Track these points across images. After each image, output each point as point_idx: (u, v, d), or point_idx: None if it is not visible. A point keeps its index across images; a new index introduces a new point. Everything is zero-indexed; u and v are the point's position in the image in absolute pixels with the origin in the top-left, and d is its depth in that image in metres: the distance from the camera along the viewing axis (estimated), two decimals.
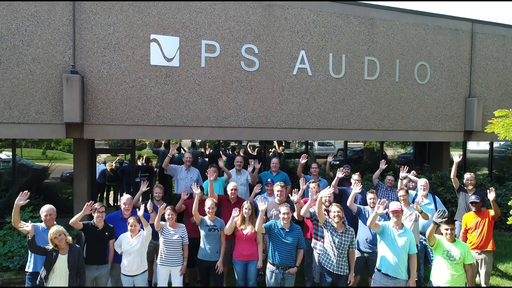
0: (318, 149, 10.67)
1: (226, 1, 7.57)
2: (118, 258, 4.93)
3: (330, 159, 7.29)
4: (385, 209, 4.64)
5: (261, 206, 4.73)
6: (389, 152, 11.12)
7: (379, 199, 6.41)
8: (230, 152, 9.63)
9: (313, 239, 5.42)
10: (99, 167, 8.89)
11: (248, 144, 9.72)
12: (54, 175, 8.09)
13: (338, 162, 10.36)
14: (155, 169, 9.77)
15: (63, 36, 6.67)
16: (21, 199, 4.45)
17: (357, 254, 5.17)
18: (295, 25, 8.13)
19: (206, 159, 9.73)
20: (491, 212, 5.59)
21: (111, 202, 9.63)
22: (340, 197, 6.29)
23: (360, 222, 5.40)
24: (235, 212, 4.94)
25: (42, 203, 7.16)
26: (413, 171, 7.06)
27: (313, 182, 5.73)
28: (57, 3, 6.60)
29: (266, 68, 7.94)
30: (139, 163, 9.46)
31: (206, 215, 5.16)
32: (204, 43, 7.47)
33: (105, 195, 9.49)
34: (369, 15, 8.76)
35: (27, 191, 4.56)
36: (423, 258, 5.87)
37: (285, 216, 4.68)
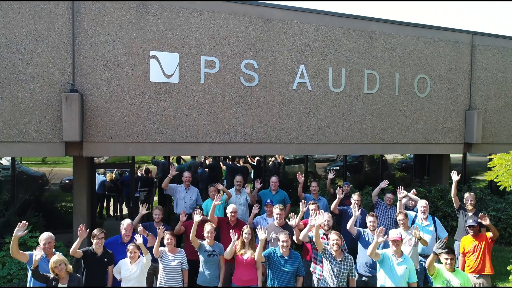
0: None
1: (225, 17, 7.56)
2: (117, 283, 4.93)
3: (331, 175, 7.29)
4: (384, 235, 4.64)
5: (261, 235, 4.73)
6: (389, 157, 11.11)
7: (378, 222, 6.43)
8: (230, 162, 9.63)
9: (312, 263, 5.42)
10: (99, 178, 8.90)
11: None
12: (54, 181, 8.10)
13: (337, 167, 10.38)
14: (155, 179, 9.78)
15: (62, 54, 6.66)
16: (19, 230, 4.44)
17: (356, 277, 5.17)
18: (295, 40, 8.12)
19: (206, 170, 9.74)
20: (489, 234, 5.59)
21: (111, 212, 9.66)
22: (340, 217, 6.29)
23: (359, 245, 5.40)
24: (234, 236, 4.94)
25: (42, 220, 7.23)
26: (413, 190, 7.06)
27: (312, 203, 5.72)
28: (56, 21, 6.59)
29: (266, 83, 7.93)
30: (139, 173, 9.47)
31: (205, 238, 5.16)
32: (203, 59, 7.46)
33: (105, 204, 9.51)
34: (369, 28, 8.75)
35: (25, 221, 4.54)
36: (423, 280, 5.87)
37: (284, 244, 4.68)
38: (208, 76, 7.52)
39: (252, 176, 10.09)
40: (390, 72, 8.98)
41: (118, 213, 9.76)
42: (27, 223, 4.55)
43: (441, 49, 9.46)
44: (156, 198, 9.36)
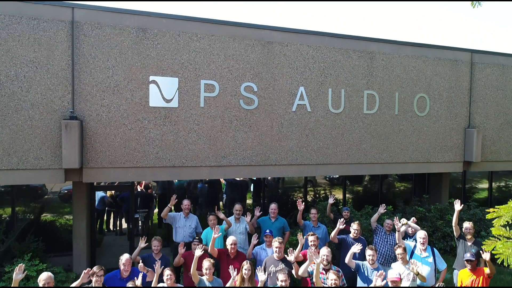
0: None
1: (225, 40, 7.56)
2: None
3: (331, 201, 7.30)
4: (383, 280, 4.65)
5: (261, 276, 4.73)
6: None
7: (378, 248, 6.43)
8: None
9: None
10: (98, 194, 8.92)
11: None
12: (53, 190, 8.12)
13: (336, 181, 10.39)
14: (154, 194, 9.82)
15: (62, 81, 6.66)
16: (18, 274, 4.44)
17: None
18: (294, 62, 8.13)
19: (206, 185, 9.77)
20: (486, 270, 5.58)
21: (111, 227, 9.68)
22: (339, 245, 6.29)
23: (358, 278, 5.41)
24: (234, 272, 4.94)
25: (42, 245, 7.24)
26: (413, 218, 7.06)
27: (311, 234, 5.72)
28: (56, 48, 6.59)
29: (265, 105, 7.94)
30: (139, 189, 9.49)
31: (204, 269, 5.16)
32: (203, 83, 7.47)
33: (105, 218, 9.54)
34: (368, 49, 8.75)
35: (23, 264, 4.55)
36: None
37: (283, 284, 4.69)
38: (208, 100, 7.53)
39: (251, 190, 10.11)
40: (389, 92, 8.98)
41: (118, 228, 9.81)
42: (23, 265, 4.55)
43: (441, 67, 9.47)
44: (156, 210, 9.41)
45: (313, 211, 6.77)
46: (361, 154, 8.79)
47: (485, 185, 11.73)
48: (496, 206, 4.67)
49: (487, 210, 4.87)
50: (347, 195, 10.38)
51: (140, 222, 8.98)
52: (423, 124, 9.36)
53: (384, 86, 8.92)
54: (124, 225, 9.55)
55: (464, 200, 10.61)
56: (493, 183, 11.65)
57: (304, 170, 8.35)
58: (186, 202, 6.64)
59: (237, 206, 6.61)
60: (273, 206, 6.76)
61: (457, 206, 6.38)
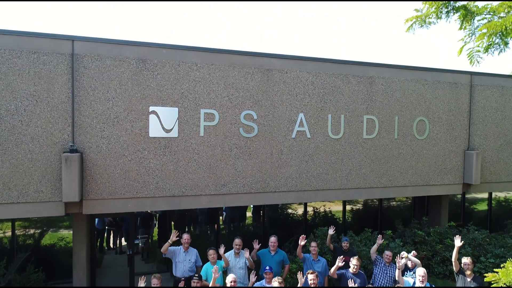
0: None
1: (225, 69, 7.58)
2: None
3: (331, 232, 7.31)
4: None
5: None
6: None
7: (377, 281, 6.44)
8: None
9: None
10: None
11: None
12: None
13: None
14: (154, 212, 9.82)
15: (62, 114, 6.68)
16: None
17: None
18: (294, 88, 8.14)
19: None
20: None
21: (111, 245, 9.70)
22: (338, 282, 6.30)
23: None
24: None
25: (42, 275, 7.25)
26: (414, 251, 7.06)
27: (311, 272, 5.73)
28: (56, 81, 6.60)
29: (265, 133, 7.95)
30: None
31: None
32: (203, 112, 7.49)
33: (105, 236, 9.56)
34: (368, 73, 8.77)
35: None
36: None
37: None
38: (208, 129, 7.54)
39: (251, 206, 10.11)
40: (389, 116, 9.00)
41: (118, 246, 9.83)
42: None
43: (440, 91, 9.48)
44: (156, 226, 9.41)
45: (313, 244, 6.78)
46: (360, 179, 8.80)
47: (484, 202, 11.71)
48: (494, 270, 4.69)
49: (485, 275, 4.88)
50: (346, 213, 10.37)
51: (140, 247, 8.99)
52: (422, 147, 9.38)
53: (384, 111, 8.94)
54: (124, 243, 9.58)
55: (463, 221, 10.62)
56: (492, 200, 11.64)
57: (303, 196, 8.37)
58: (186, 236, 6.65)
59: (237, 241, 6.62)
60: (272, 239, 6.77)
61: (457, 242, 6.39)
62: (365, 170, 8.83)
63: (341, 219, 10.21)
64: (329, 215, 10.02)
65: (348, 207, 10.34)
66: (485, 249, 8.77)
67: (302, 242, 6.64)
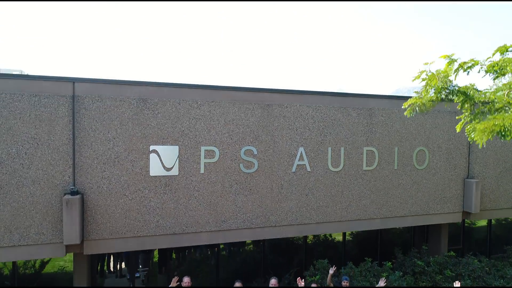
0: None
1: (225, 105, 7.60)
2: None
3: (331, 271, 7.33)
4: None
5: None
6: None
7: None
8: None
9: None
10: None
11: None
12: None
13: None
14: None
15: (63, 156, 6.70)
16: None
17: None
18: (294, 123, 8.17)
19: None
20: None
21: (111, 269, 9.72)
22: None
23: None
24: None
25: None
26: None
27: None
28: (57, 123, 6.63)
29: (265, 168, 7.98)
30: None
31: None
32: (203, 149, 7.51)
33: (106, 259, 9.59)
34: (367, 105, 8.79)
35: None
36: None
37: None
38: (208, 166, 7.57)
39: None
40: (389, 147, 9.02)
41: (118, 270, 9.87)
42: None
43: (440, 120, 9.51)
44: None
45: (313, 285, 6.80)
46: (360, 210, 8.83)
47: (484, 221, 11.69)
48: None
49: None
50: (346, 237, 10.38)
51: (142, 280, 9.01)
52: (422, 177, 9.40)
53: (384, 142, 8.96)
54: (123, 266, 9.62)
55: (463, 244, 10.64)
56: (492, 220, 11.65)
57: (304, 230, 8.39)
58: (186, 280, 6.68)
59: (237, 284, 6.64)
60: (273, 281, 6.80)
61: (457, 284, 6.41)
62: (365, 201, 8.85)
63: (341, 241, 10.22)
64: (329, 239, 10.03)
65: (348, 232, 10.36)
66: (484, 281, 8.79)
67: (300, 284, 6.66)
